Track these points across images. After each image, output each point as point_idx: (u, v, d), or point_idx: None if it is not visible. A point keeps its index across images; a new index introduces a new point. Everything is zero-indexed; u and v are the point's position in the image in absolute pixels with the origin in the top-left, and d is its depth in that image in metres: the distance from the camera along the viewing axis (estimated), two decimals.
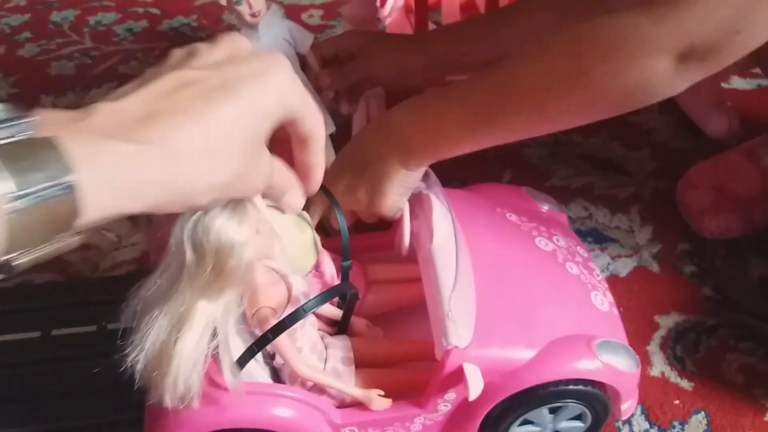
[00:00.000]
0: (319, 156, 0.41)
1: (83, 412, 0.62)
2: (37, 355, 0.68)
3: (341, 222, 0.57)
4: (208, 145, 0.31)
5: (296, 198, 0.42)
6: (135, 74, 1.06)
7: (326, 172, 0.50)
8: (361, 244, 0.65)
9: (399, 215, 0.59)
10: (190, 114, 0.31)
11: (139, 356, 0.41)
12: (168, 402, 0.42)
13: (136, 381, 0.42)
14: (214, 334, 0.42)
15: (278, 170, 0.39)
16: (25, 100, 1.06)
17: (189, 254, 0.40)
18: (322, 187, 0.59)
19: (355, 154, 0.59)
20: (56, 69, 1.12)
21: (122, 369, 0.41)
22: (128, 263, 0.79)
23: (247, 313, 0.47)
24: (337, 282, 0.59)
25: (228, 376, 0.44)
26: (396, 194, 0.58)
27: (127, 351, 0.41)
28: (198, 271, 0.40)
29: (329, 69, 0.70)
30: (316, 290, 0.59)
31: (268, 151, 0.37)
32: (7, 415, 0.62)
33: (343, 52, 0.71)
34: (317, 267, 0.58)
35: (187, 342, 0.41)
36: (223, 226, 0.40)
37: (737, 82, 0.99)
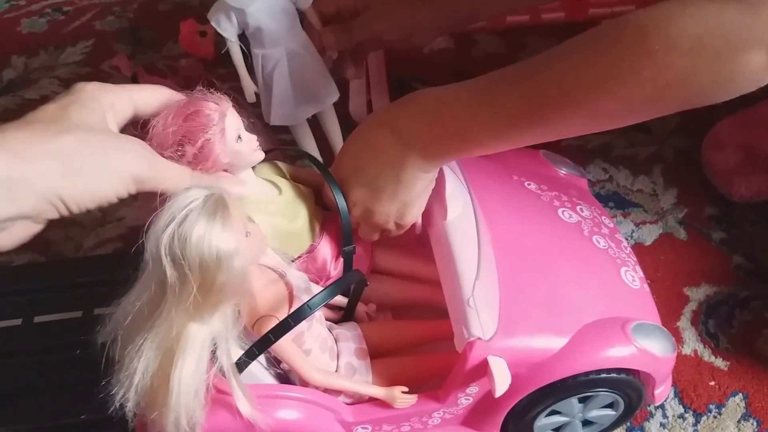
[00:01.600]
0: None
1: (68, 409, 0.56)
2: (18, 345, 0.63)
3: (340, 204, 0.50)
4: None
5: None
6: (112, 30, 1.01)
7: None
8: None
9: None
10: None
11: (128, 394, 0.35)
12: None
13: (129, 422, 0.36)
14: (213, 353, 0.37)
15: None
16: None
17: (169, 272, 0.34)
18: (321, 168, 0.53)
19: (363, 160, 0.51)
20: (27, 27, 1.05)
21: (110, 408, 0.35)
22: (114, 240, 0.74)
23: (246, 325, 0.42)
24: (332, 267, 0.53)
25: (243, 404, 0.39)
26: (420, 200, 0.52)
27: (112, 389, 0.35)
28: (183, 290, 0.34)
29: (332, 26, 0.63)
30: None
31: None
32: None
33: (345, 8, 0.65)
34: (310, 251, 0.53)
35: (184, 371, 0.35)
36: (204, 236, 0.34)
37: None
